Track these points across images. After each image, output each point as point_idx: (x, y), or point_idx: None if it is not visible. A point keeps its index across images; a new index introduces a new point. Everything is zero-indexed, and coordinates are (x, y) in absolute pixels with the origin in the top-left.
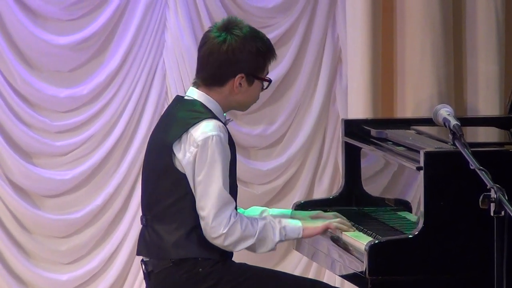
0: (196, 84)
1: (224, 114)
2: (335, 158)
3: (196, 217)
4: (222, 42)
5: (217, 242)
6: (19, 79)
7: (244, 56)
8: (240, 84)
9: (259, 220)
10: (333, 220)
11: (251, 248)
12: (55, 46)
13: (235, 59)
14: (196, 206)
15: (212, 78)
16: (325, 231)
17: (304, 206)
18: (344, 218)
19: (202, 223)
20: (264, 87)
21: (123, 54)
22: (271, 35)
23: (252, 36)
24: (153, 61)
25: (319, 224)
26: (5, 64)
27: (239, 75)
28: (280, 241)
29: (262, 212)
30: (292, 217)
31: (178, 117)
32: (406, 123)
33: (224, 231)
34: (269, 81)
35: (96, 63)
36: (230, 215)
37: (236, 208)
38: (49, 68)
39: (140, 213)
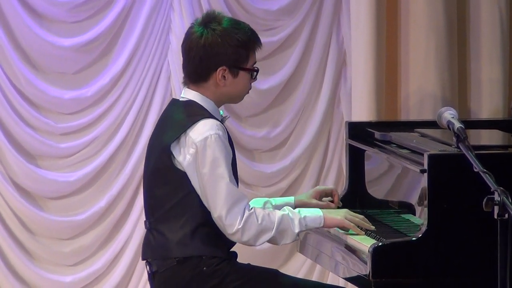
0: (185, 83)
1: (221, 112)
2: (339, 161)
3: (201, 215)
4: (199, 37)
5: (236, 238)
6: (24, 81)
7: (223, 49)
8: (224, 77)
9: (276, 211)
10: (356, 216)
11: (273, 241)
12: (60, 48)
13: (213, 53)
14: (208, 208)
15: (195, 73)
16: (344, 226)
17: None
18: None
19: (217, 223)
20: (253, 77)
21: (128, 56)
22: (276, 37)
23: (231, 28)
24: (158, 63)
25: (339, 215)
26: (10, 66)
27: (220, 68)
28: (301, 231)
29: (264, 203)
30: (296, 203)
31: (175, 118)
32: (410, 126)
33: (240, 226)
34: (256, 70)
35: (100, 65)
36: (244, 209)
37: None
38: (53, 70)
39: (144, 215)
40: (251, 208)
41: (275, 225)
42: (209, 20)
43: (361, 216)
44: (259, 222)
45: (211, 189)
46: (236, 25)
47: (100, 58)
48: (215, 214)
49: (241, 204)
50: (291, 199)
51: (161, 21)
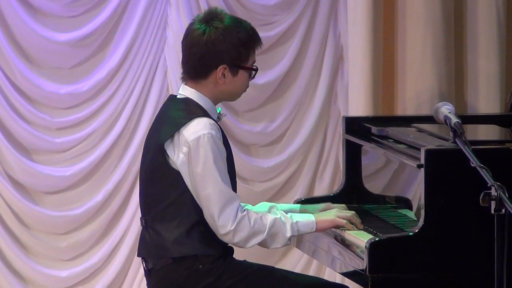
0: (184, 79)
1: (219, 109)
2: (336, 156)
3: (196, 214)
4: (202, 34)
5: (227, 239)
6: (20, 76)
7: (224, 47)
8: (224, 75)
9: (269, 215)
10: (347, 212)
11: (263, 244)
12: (56, 43)
13: (215, 51)
14: (201, 207)
15: (194, 70)
16: (336, 225)
17: (305, 203)
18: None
19: (209, 223)
20: (252, 76)
21: (124, 51)
22: (273, 32)
23: (233, 26)
24: (154, 58)
25: (331, 216)
26: (6, 61)
27: (221, 66)
28: (293, 236)
29: (270, 208)
30: (301, 212)
31: (170, 116)
32: (407, 121)
33: (232, 228)
34: (255, 69)
35: (97, 60)
36: (236, 210)
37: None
38: (49, 65)
39: (140, 210)
40: (244, 210)
41: (267, 228)
42: (211, 18)
43: (352, 212)
44: (251, 224)
45: (203, 189)
46: (238, 23)
47: (96, 53)
48: (207, 214)
49: (233, 204)
50: (297, 207)
51: (158, 16)
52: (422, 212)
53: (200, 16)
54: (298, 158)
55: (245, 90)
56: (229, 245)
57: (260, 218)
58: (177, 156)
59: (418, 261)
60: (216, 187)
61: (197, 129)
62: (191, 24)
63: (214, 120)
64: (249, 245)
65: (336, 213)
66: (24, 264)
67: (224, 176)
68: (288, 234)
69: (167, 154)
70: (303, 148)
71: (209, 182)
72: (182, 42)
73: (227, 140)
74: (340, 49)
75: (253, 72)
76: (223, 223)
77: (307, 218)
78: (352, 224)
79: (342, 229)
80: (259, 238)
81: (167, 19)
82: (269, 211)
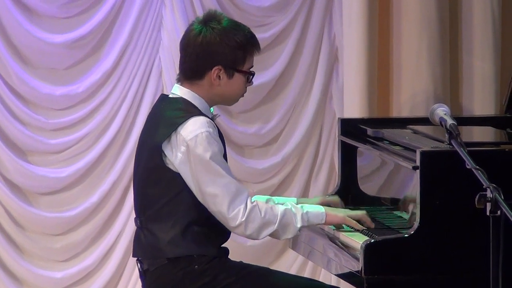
0: (179, 80)
1: (211, 109)
2: (331, 157)
3: (191, 214)
4: (198, 35)
5: (239, 232)
6: (15, 77)
7: (220, 48)
8: (219, 76)
9: (279, 205)
10: (357, 212)
11: (275, 235)
12: (51, 44)
13: (210, 51)
14: (206, 205)
15: (190, 71)
16: (343, 222)
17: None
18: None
19: (218, 218)
20: (249, 81)
21: (119, 52)
22: (268, 33)
23: (231, 28)
24: (149, 59)
25: (342, 214)
26: (1, 62)
27: (216, 68)
28: (303, 226)
29: (267, 201)
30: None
31: (165, 116)
32: (403, 123)
33: (243, 219)
34: (252, 74)
35: (91, 61)
36: (246, 202)
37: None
38: (44, 66)
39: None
40: (254, 201)
41: (278, 218)
42: (210, 19)
43: (363, 212)
44: (262, 215)
45: (207, 185)
46: (236, 26)
47: (91, 54)
48: (215, 210)
49: (242, 196)
50: (293, 199)
51: (153, 17)
52: (418, 213)
53: (199, 18)
54: (293, 160)
55: (242, 95)
56: (224, 245)
57: (271, 209)
58: (175, 156)
59: (413, 262)
60: (221, 181)
61: (194, 127)
62: (189, 25)
63: (210, 119)
64: (262, 236)
65: (346, 212)
66: (19, 265)
67: (228, 170)
68: (299, 225)
69: (165, 155)
70: (298, 149)
71: (213, 178)
72: (180, 43)
73: (223, 139)
74: (335, 50)
75: (250, 77)
76: (233, 215)
77: (317, 209)
78: (363, 223)
79: (336, 229)
80: (270, 229)
81: (162, 20)
82: (266, 203)
